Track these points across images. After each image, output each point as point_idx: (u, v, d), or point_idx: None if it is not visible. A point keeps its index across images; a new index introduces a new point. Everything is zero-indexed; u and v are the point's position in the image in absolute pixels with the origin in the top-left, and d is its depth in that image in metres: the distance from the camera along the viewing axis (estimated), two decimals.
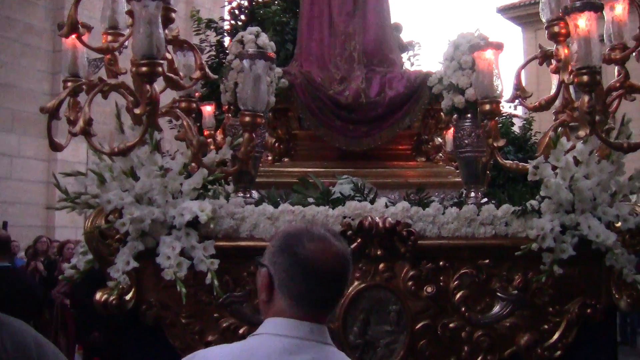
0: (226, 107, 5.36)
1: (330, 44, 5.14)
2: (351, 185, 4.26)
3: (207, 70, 3.79)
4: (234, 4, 14.48)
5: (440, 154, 5.32)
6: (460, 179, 5.05)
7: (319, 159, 5.14)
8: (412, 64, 12.40)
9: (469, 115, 4.46)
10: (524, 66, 3.94)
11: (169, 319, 3.74)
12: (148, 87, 3.44)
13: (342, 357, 2.00)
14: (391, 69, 5.19)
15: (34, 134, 15.32)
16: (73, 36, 3.98)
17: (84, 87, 3.81)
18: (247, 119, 3.82)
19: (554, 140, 3.65)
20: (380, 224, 3.61)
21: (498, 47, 3.87)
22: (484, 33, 4.49)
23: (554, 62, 4.09)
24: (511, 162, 3.91)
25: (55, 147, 3.88)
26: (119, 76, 3.97)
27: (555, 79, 3.98)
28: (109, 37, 4.01)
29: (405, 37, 5.77)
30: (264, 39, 4.66)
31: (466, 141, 4.42)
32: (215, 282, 3.47)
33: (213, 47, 13.15)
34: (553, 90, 3.95)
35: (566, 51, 3.64)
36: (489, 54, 3.85)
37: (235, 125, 4.67)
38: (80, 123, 3.50)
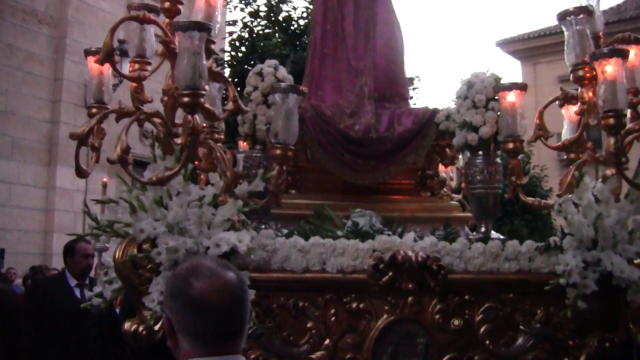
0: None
1: (343, 79, 5.22)
2: (366, 219, 4.33)
3: (240, 102, 3.83)
4: (235, 36, 14.57)
5: (445, 189, 5.43)
6: (464, 214, 5.19)
7: (324, 192, 5.18)
8: (411, 97, 12.60)
9: (480, 152, 4.58)
10: (545, 107, 4.09)
11: None
12: (190, 117, 3.45)
13: None
14: (400, 104, 5.29)
15: (33, 161, 15.34)
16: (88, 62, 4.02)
17: (106, 114, 3.82)
18: (278, 151, 3.87)
19: (577, 179, 3.79)
20: (413, 258, 3.68)
21: (522, 87, 4.01)
22: (496, 73, 4.64)
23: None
24: (533, 199, 4.03)
25: (82, 173, 3.87)
26: (144, 105, 3.97)
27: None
28: (136, 65, 4.02)
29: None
30: (282, 72, 4.72)
31: (478, 177, 4.53)
32: (252, 313, 3.48)
33: None
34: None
35: (590, 94, 3.79)
36: (513, 94, 3.99)
37: (252, 156, 4.70)
38: (118, 151, 3.49)
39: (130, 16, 3.85)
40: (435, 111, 5.10)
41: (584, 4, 4.09)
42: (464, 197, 6.07)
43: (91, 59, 4.08)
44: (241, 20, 15.78)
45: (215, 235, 3.56)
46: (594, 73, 3.74)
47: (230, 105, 3.82)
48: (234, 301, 1.96)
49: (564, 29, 3.89)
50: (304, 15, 15.41)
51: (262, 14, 15.74)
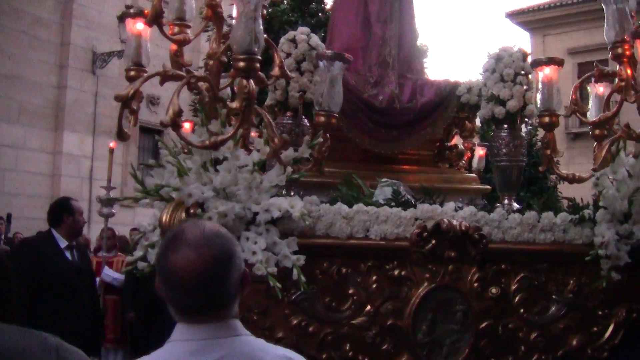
0: None
1: (367, 49, 5.24)
2: (394, 188, 4.38)
3: (286, 69, 3.83)
4: None
5: (463, 161, 5.51)
6: (482, 186, 5.29)
7: (343, 160, 5.20)
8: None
9: (505, 125, 4.66)
10: (580, 83, 4.17)
11: (240, 315, 3.74)
12: (245, 82, 3.45)
13: (260, 345, 2.02)
14: (418, 76, 5.35)
15: (39, 126, 15.30)
16: (138, 26, 3.97)
17: (150, 77, 3.79)
18: (322, 119, 3.90)
19: (614, 154, 3.90)
20: (457, 227, 3.75)
21: (559, 63, 4.09)
22: (523, 48, 4.71)
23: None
24: (567, 172, 4.13)
25: (123, 137, 3.84)
26: (183, 68, 3.94)
27: None
28: (176, 29, 3.98)
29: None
30: (315, 39, 4.71)
31: (503, 150, 4.61)
32: (302, 278, 3.51)
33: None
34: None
35: (629, 71, 3.88)
36: (550, 69, 4.06)
37: (283, 123, 4.70)
38: (170, 114, 3.45)
39: None
40: (456, 84, 5.16)
41: None
42: (467, 170, 6.19)
43: (130, 21, 4.02)
44: None
45: (265, 201, 3.58)
46: (633, 51, 3.84)
47: (276, 71, 3.81)
48: (203, 277, 1.90)
49: (603, 7, 3.95)
50: None
51: None
